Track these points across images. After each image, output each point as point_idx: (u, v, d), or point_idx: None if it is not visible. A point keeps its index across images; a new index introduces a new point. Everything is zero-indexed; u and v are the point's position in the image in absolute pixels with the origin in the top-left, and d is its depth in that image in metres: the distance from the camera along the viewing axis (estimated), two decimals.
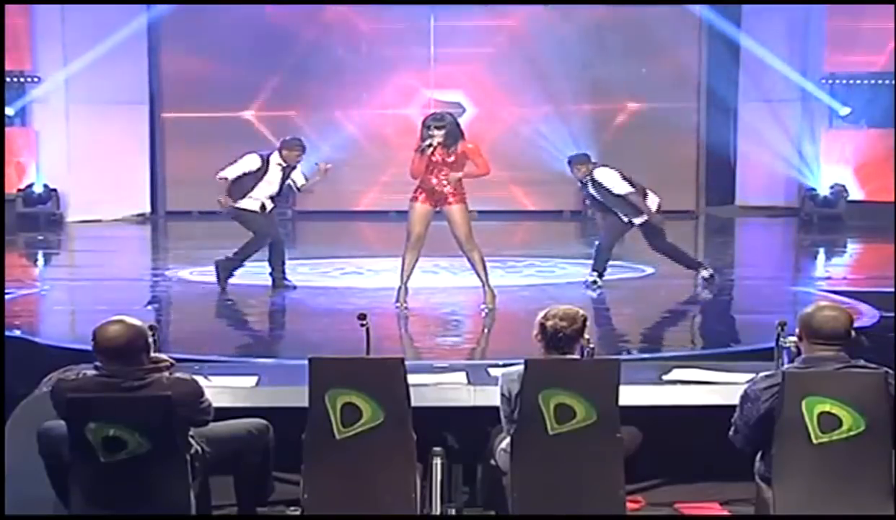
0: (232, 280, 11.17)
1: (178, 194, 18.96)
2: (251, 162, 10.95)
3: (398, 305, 9.81)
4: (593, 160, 11.47)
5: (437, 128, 9.64)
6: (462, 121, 19.51)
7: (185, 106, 19.25)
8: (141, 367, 5.12)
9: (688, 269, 11.37)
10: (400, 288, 9.85)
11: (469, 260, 9.96)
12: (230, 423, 5.55)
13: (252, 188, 10.92)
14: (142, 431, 4.97)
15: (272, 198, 11.04)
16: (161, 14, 18.63)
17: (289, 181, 11.12)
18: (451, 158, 9.69)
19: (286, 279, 11.24)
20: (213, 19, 18.77)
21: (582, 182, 11.34)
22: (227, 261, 11.06)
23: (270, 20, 18.94)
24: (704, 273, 11.29)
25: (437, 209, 9.81)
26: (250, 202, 10.97)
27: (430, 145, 9.57)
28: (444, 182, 9.70)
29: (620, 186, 11.05)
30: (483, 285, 9.97)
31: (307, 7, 19.03)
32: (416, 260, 9.90)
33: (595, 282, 11.23)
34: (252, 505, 5.70)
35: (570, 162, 11.46)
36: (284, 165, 10.97)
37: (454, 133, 9.70)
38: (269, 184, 10.98)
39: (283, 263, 11.33)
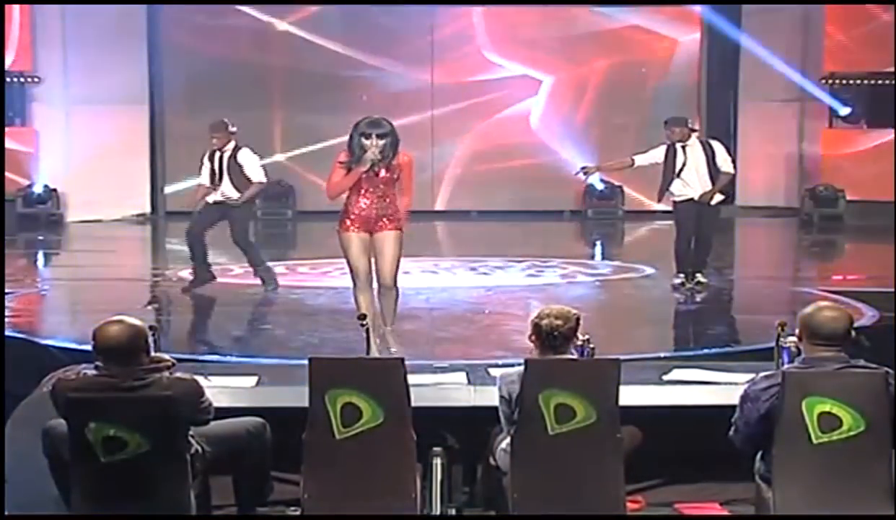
0: (235, 280, 11.21)
1: (178, 194, 18.94)
2: (204, 170, 11.05)
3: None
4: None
5: (379, 136, 7.68)
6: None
7: (185, 105, 19.25)
8: (141, 367, 5.12)
9: (694, 267, 11.24)
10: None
11: (380, 297, 7.84)
12: (228, 422, 5.54)
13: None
14: (142, 431, 4.97)
15: (214, 186, 10.96)
16: (161, 13, 18.68)
17: (235, 167, 10.96)
18: (386, 174, 7.77)
19: (267, 282, 11.23)
20: (213, 19, 18.81)
21: (672, 147, 11.03)
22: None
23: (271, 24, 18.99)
24: (700, 277, 11.24)
25: (371, 234, 7.88)
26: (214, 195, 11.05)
27: (376, 161, 7.67)
28: (377, 204, 7.80)
29: (727, 163, 11.12)
30: (386, 327, 7.97)
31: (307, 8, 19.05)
32: (372, 298, 7.92)
33: (683, 284, 11.10)
34: (252, 505, 5.70)
35: (666, 123, 11.19)
36: (213, 150, 10.96)
37: (395, 143, 7.75)
38: (207, 171, 10.97)
39: (253, 262, 11.32)
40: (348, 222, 7.83)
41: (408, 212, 7.96)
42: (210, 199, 11.03)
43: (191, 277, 11.14)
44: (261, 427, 5.62)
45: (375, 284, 7.94)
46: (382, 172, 7.72)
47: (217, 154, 10.90)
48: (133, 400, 5.03)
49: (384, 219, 7.80)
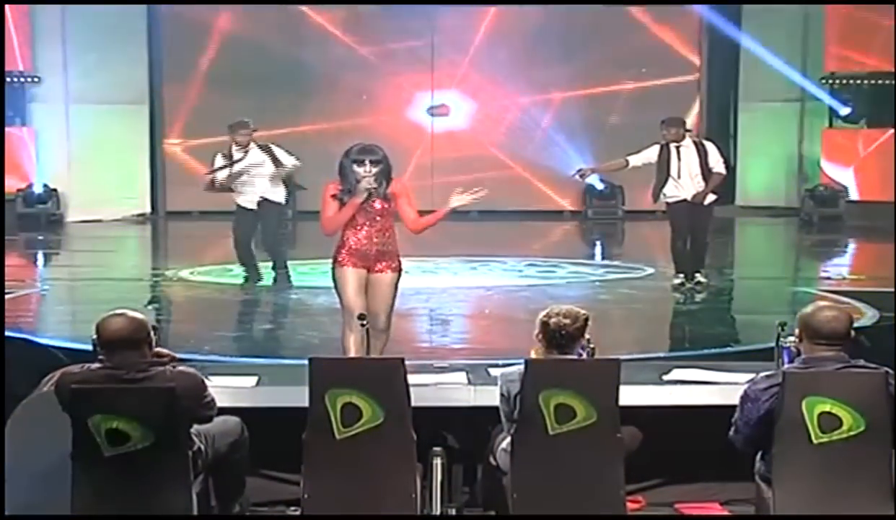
0: (236, 280, 11.29)
1: (178, 194, 18.95)
2: (218, 160, 11.13)
3: None
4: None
5: (373, 163, 7.09)
6: (453, 122, 19.56)
7: (185, 106, 19.28)
8: (144, 359, 5.13)
9: (693, 266, 11.23)
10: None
11: (369, 341, 6.59)
12: (221, 421, 5.53)
13: (234, 183, 11.05)
14: (145, 423, 4.97)
15: (254, 185, 11.12)
16: (161, 14, 18.72)
17: (278, 169, 11.17)
18: (382, 205, 7.15)
19: (280, 283, 11.36)
20: (212, 20, 18.85)
21: (667, 146, 11.08)
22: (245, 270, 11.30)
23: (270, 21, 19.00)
24: (699, 277, 11.23)
25: (369, 272, 7.23)
26: (242, 198, 11.10)
27: (372, 191, 7.08)
28: (376, 238, 7.15)
29: (720, 163, 11.13)
30: None
31: (307, 8, 19.06)
32: (362, 340, 6.82)
33: (683, 284, 11.16)
34: (230, 504, 5.69)
35: (663, 122, 11.27)
36: (239, 146, 11.08)
37: (388, 170, 7.18)
38: (247, 169, 11.06)
39: (276, 264, 11.43)
40: (344, 257, 7.17)
41: (428, 220, 7.27)
42: (245, 204, 11.08)
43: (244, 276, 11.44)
44: (240, 426, 5.63)
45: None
46: (377, 204, 7.12)
47: (239, 154, 11.04)
48: (136, 391, 5.04)
49: (384, 259, 7.18)
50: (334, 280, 7.24)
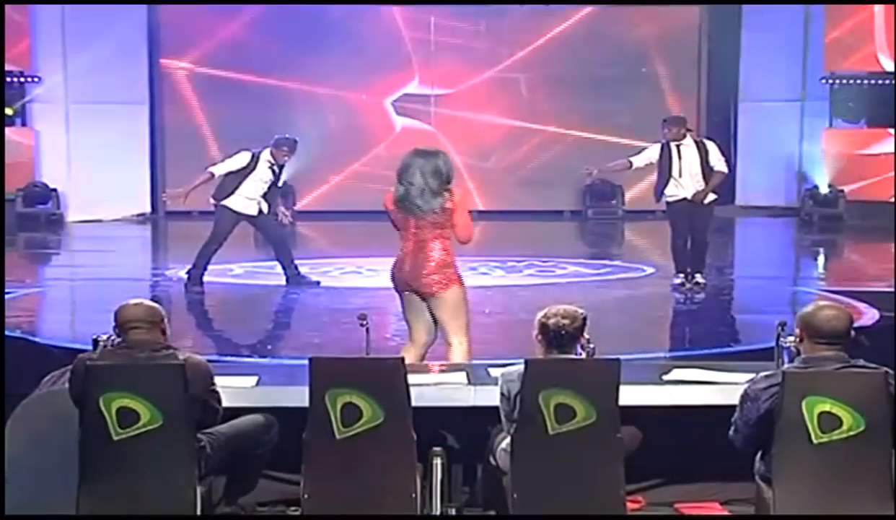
0: (236, 280, 11.25)
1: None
2: (241, 159, 11.04)
3: None
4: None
5: None
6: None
7: (184, 101, 19.27)
8: (157, 341, 5.22)
9: (693, 268, 11.24)
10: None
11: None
12: (239, 421, 5.55)
13: (237, 186, 10.98)
14: (155, 400, 5.03)
15: (264, 196, 11.14)
16: (161, 14, 18.73)
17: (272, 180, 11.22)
18: None
19: (301, 276, 11.36)
20: (211, 22, 18.85)
21: (668, 145, 11.14)
22: (193, 270, 11.13)
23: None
24: (699, 278, 11.23)
25: None
26: (239, 202, 11.02)
27: None
28: None
29: (721, 162, 11.14)
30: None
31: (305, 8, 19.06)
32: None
33: (683, 284, 11.19)
34: (236, 499, 5.70)
35: (664, 122, 11.37)
36: (273, 162, 11.06)
37: None
38: (260, 182, 11.04)
39: (293, 261, 11.44)
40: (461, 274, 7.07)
41: None
42: (247, 211, 11.06)
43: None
44: (270, 424, 5.63)
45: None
46: None
47: (277, 169, 11.09)
48: (149, 367, 5.13)
49: None
50: (459, 302, 7.08)
